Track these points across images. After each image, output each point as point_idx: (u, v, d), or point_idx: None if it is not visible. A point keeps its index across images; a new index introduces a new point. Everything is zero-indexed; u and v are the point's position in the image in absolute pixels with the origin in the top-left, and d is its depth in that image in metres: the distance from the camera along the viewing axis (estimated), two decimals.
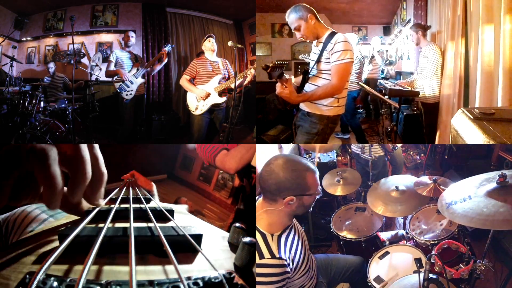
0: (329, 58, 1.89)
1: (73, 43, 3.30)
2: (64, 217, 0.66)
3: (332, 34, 1.91)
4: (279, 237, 1.25)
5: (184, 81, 3.10)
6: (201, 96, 3.02)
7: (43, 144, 0.48)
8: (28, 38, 4.50)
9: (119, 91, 3.37)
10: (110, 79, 3.53)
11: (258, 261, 1.18)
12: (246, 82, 2.98)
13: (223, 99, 3.06)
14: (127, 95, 3.39)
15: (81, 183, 0.50)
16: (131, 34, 3.57)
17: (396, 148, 2.72)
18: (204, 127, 3.11)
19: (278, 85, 1.88)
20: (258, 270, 1.17)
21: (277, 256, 1.20)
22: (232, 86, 2.83)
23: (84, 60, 4.27)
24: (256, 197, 1.39)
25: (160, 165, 4.20)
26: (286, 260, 1.22)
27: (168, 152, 4.46)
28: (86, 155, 0.50)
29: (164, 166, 4.32)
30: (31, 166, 0.46)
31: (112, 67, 3.43)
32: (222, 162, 1.82)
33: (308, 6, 1.94)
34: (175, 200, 3.42)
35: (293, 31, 2.00)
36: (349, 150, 3.23)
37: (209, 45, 3.08)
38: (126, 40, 3.54)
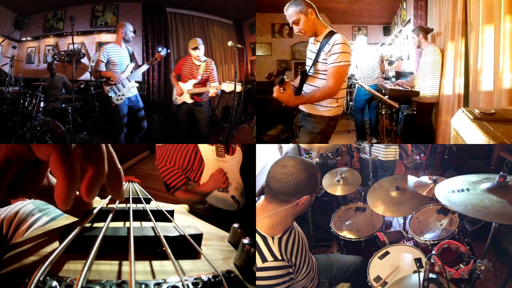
0: (326, 59, 1.87)
1: (73, 43, 3.27)
2: (64, 218, 0.66)
3: (331, 33, 1.88)
4: (280, 239, 1.24)
5: (172, 76, 3.51)
6: (177, 93, 3.35)
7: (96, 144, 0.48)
8: (28, 38, 4.50)
9: (109, 95, 3.03)
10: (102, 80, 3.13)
11: (261, 264, 1.16)
12: (211, 93, 3.23)
13: (191, 100, 3.31)
14: (117, 99, 3.09)
15: (100, 181, 0.50)
16: (125, 30, 3.13)
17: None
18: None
19: (275, 88, 1.84)
20: (262, 273, 1.15)
21: (280, 258, 1.19)
22: (210, 92, 3.21)
23: (84, 60, 4.28)
24: (256, 199, 1.39)
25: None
26: (288, 262, 1.22)
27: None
28: (105, 153, 0.50)
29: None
30: (90, 160, 0.47)
31: (102, 67, 3.04)
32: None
33: (309, 1, 1.91)
34: None
35: (290, 25, 1.96)
36: (352, 147, 3.24)
37: (195, 54, 3.22)
38: (118, 39, 3.16)
